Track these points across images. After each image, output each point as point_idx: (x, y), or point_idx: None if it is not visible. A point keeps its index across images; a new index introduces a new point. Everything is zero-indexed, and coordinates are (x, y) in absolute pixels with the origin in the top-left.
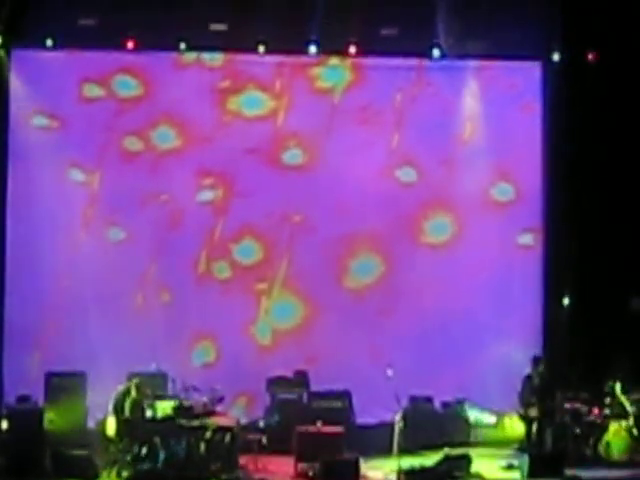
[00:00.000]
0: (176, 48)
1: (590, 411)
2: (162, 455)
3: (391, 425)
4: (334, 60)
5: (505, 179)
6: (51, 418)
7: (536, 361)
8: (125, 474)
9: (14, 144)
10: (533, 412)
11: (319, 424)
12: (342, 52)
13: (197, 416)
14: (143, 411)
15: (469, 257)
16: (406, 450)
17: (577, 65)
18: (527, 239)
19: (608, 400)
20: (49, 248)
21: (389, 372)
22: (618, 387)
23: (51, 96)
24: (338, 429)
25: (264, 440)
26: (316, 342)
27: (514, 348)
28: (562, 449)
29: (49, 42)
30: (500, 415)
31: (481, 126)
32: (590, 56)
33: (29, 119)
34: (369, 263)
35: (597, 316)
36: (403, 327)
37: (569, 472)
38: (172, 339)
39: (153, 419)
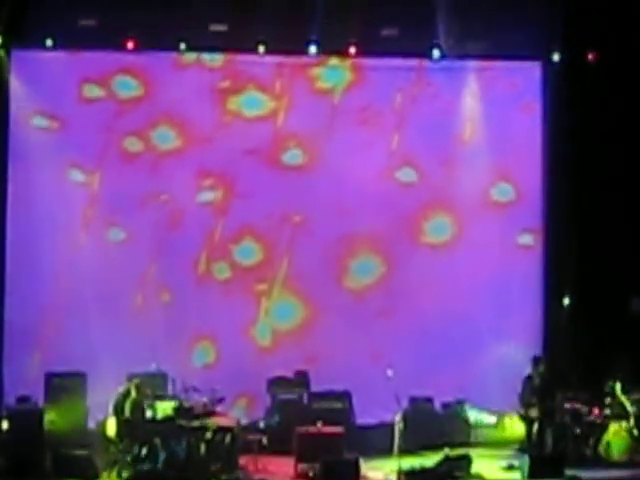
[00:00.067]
0: (176, 48)
1: (590, 411)
2: (162, 456)
3: (391, 425)
4: (334, 60)
5: (505, 179)
6: (51, 419)
7: (536, 361)
8: (125, 474)
9: (14, 144)
10: (533, 412)
11: (319, 424)
12: (342, 52)
13: (197, 417)
14: (143, 412)
15: (469, 257)
16: (406, 450)
17: (577, 65)
18: (527, 239)
19: (608, 400)
20: (49, 248)
21: (389, 372)
22: (618, 387)
23: (51, 96)
24: (338, 430)
25: (264, 441)
26: (316, 342)
27: (514, 348)
28: (562, 449)
29: (49, 42)
30: (500, 415)
31: (481, 126)
32: (590, 56)
33: (29, 119)
34: (369, 263)
35: (597, 316)
36: (403, 327)
37: (569, 472)
38: (172, 339)
39: (153, 420)
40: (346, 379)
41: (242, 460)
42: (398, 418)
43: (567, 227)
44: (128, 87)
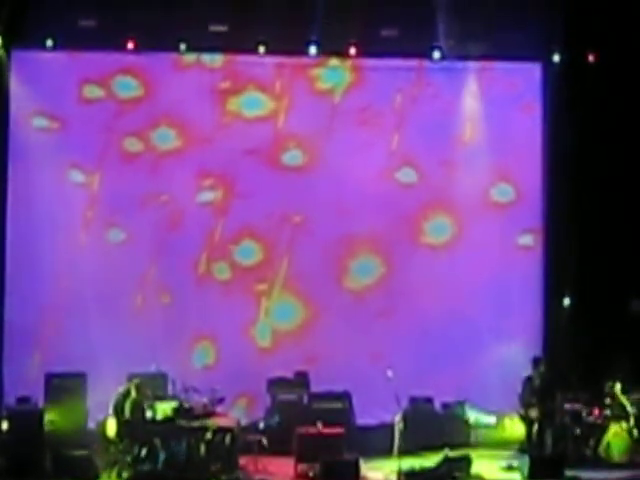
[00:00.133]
0: (176, 49)
1: (590, 412)
2: (162, 456)
3: (391, 426)
4: (334, 61)
5: (505, 180)
6: (51, 419)
7: (536, 362)
8: (125, 475)
9: (14, 145)
10: (533, 413)
11: (319, 425)
12: (342, 53)
13: (197, 417)
14: (143, 412)
15: (469, 258)
16: (406, 451)
17: (577, 66)
18: (527, 240)
19: (608, 401)
20: (49, 248)
21: (389, 373)
22: (618, 388)
23: (51, 97)
24: (338, 430)
25: (264, 441)
26: (316, 343)
27: (514, 349)
28: (562, 450)
29: (49, 43)
30: (500, 416)
31: (481, 127)
32: (590, 57)
33: (29, 120)
34: (369, 264)
35: (597, 317)
36: (403, 328)
37: (569, 473)
38: (172, 340)
39: (153, 420)
40: (346, 379)
41: (242, 460)
42: (398, 418)
43: (567, 227)
44: (128, 87)
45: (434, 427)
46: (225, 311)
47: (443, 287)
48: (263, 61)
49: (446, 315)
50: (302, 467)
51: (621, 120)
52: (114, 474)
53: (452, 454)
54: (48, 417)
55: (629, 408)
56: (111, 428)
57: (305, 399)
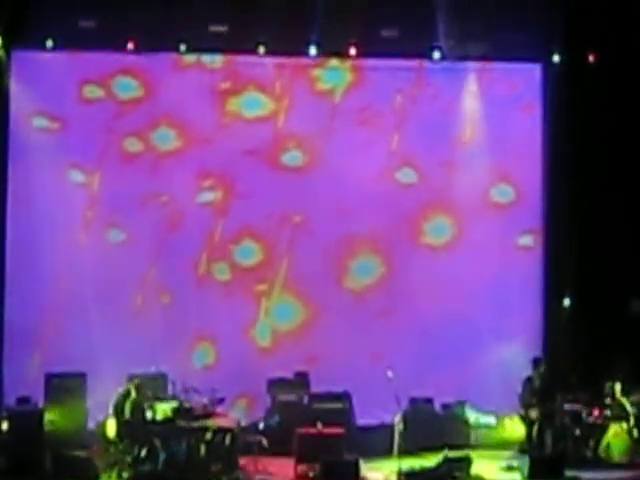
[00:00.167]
0: (176, 49)
1: (590, 412)
2: (162, 456)
3: (391, 426)
4: (334, 61)
5: (505, 180)
6: (51, 419)
7: (536, 362)
8: (125, 475)
9: (14, 145)
10: (533, 413)
11: (319, 425)
12: (342, 53)
13: (197, 417)
14: (143, 412)
15: (469, 258)
16: (406, 451)
17: (577, 67)
18: (527, 240)
19: (608, 401)
20: (49, 248)
21: (389, 373)
22: (618, 388)
23: (51, 97)
24: (338, 430)
25: (264, 441)
26: (316, 343)
27: (514, 349)
28: (562, 451)
29: (49, 43)
30: (500, 416)
31: (481, 127)
32: (590, 57)
33: (29, 120)
34: (369, 264)
35: (597, 317)
36: (403, 328)
37: (569, 474)
38: (172, 340)
39: (153, 421)
40: (346, 380)
41: (242, 461)
42: (398, 419)
43: (567, 228)
44: (128, 88)
45: (434, 427)
46: (225, 311)
47: (443, 287)
48: (263, 61)
49: (446, 315)
50: (302, 467)
51: (621, 120)
52: (114, 474)
53: (452, 454)
54: (48, 417)
55: (629, 408)
56: (111, 428)
57: (305, 399)
